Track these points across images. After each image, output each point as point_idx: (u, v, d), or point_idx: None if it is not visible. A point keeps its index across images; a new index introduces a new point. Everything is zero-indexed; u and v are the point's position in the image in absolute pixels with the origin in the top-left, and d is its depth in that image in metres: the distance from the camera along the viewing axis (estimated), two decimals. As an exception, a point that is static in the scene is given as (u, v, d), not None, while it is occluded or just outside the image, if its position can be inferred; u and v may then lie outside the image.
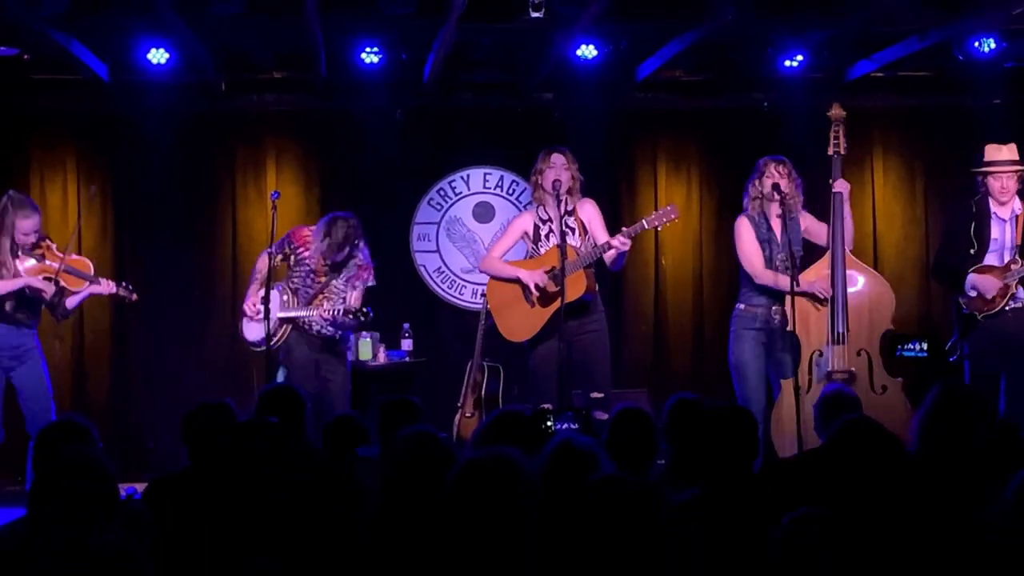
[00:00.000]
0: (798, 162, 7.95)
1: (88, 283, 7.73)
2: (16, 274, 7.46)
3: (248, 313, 7.99)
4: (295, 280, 8.00)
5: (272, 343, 7.86)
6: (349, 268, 7.98)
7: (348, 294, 7.98)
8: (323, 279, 7.88)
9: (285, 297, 7.96)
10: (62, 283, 7.58)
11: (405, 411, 5.69)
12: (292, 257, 8.02)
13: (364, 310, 7.86)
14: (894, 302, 7.82)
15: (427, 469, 4.17)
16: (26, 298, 7.53)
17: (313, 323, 7.83)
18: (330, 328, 7.92)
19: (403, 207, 10.07)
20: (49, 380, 7.67)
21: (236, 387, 8.19)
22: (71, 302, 7.77)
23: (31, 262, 7.54)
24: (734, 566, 3.92)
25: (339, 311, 7.84)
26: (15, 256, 7.48)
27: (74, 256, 7.87)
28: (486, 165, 10.16)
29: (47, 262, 7.56)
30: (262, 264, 7.99)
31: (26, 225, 7.47)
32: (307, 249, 7.96)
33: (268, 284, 7.74)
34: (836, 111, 7.92)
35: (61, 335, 8.99)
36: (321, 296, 7.87)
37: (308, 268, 7.96)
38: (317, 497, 3.88)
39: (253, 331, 8.02)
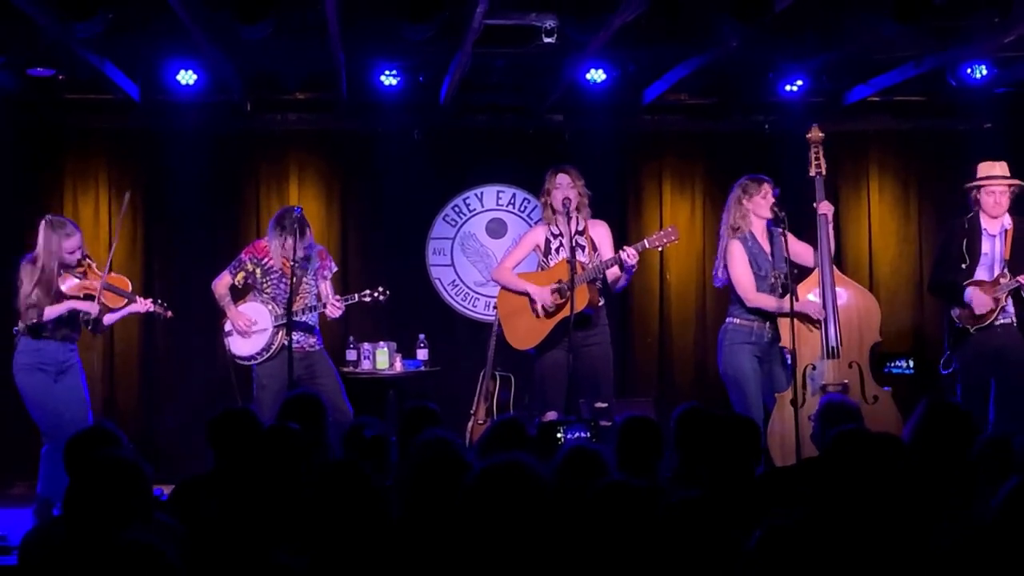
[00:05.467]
0: (797, 183, 8.05)
1: (126, 300, 7.81)
2: (60, 295, 7.52)
3: (242, 329, 8.03)
4: (268, 290, 8.07)
5: (269, 353, 8.00)
6: (312, 261, 8.09)
7: (320, 286, 8.11)
8: (294, 279, 7.86)
9: (269, 307, 8.05)
10: (103, 300, 7.63)
11: (425, 417, 5.83)
12: (259, 269, 8.07)
13: (380, 288, 8.09)
14: (880, 314, 7.88)
15: (443, 472, 4.22)
16: (70, 317, 7.60)
17: (295, 336, 7.84)
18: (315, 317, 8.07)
19: (419, 223, 10.21)
20: (87, 391, 7.72)
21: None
22: (109, 319, 7.88)
23: (74, 281, 7.59)
24: (728, 565, 3.92)
25: (352, 299, 8.01)
26: (59, 275, 7.52)
27: (113, 274, 7.91)
28: (499, 183, 10.32)
29: (88, 280, 7.63)
30: (223, 289, 8.11)
31: (70, 244, 7.53)
32: (271, 258, 8.04)
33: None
34: (814, 133, 7.98)
35: (94, 346, 9.07)
36: (297, 295, 7.91)
37: (279, 273, 8.02)
38: (337, 499, 3.88)
39: (244, 347, 8.08)
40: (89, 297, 7.63)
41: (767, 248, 7.79)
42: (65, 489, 4.12)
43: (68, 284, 7.59)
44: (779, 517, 3.32)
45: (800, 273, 7.86)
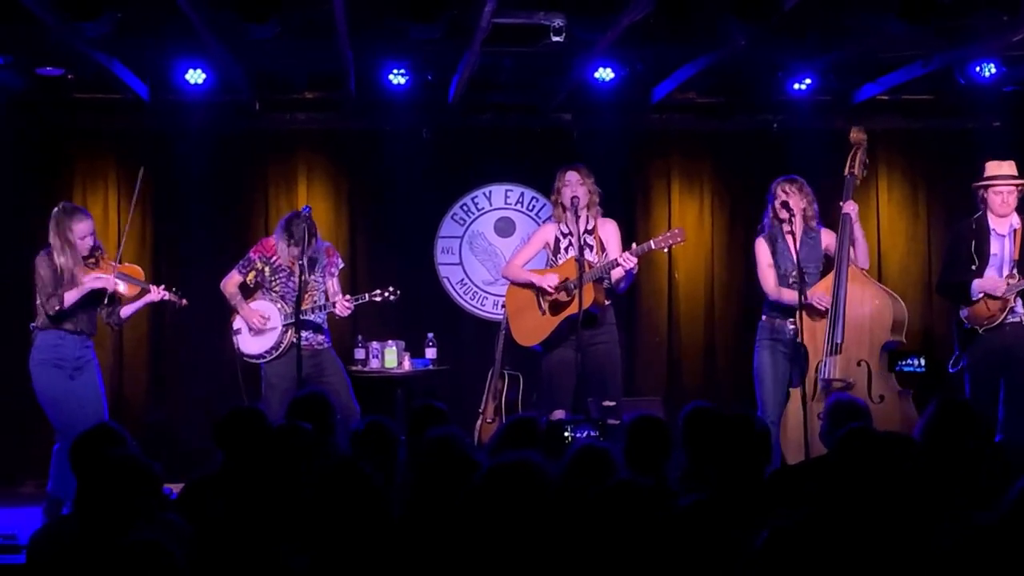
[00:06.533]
0: (805, 181, 8.07)
1: (141, 289, 7.80)
2: (78, 282, 7.50)
3: (257, 327, 8.03)
4: (277, 288, 8.08)
5: (278, 352, 8.02)
6: (320, 260, 8.10)
7: (327, 283, 8.12)
8: (303, 277, 7.89)
9: (278, 306, 8.05)
10: (117, 290, 7.64)
11: (433, 416, 5.84)
12: (268, 268, 8.09)
13: (391, 288, 8.12)
14: (894, 315, 7.80)
15: (451, 469, 4.31)
16: (86, 310, 7.59)
17: (303, 334, 7.87)
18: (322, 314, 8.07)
19: (428, 222, 10.22)
20: (103, 388, 7.71)
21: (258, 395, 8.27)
22: (125, 311, 7.86)
23: (86, 273, 7.57)
24: (734, 566, 3.87)
25: (362, 299, 8.04)
26: (73, 264, 7.49)
27: (126, 264, 7.94)
28: (507, 182, 10.33)
29: (100, 272, 7.62)
30: (233, 288, 8.13)
31: (82, 228, 7.52)
32: (278, 256, 8.05)
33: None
34: (857, 135, 8.05)
35: (102, 342, 9.09)
36: (305, 293, 7.93)
37: (287, 272, 8.03)
38: (337, 498, 3.88)
39: (253, 345, 8.09)
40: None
41: (793, 249, 7.79)
42: (75, 489, 4.15)
43: (81, 275, 7.58)
44: (784, 518, 3.31)
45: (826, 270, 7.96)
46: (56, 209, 7.64)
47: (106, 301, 7.69)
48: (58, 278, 7.47)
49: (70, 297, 7.48)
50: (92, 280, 7.57)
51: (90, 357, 7.67)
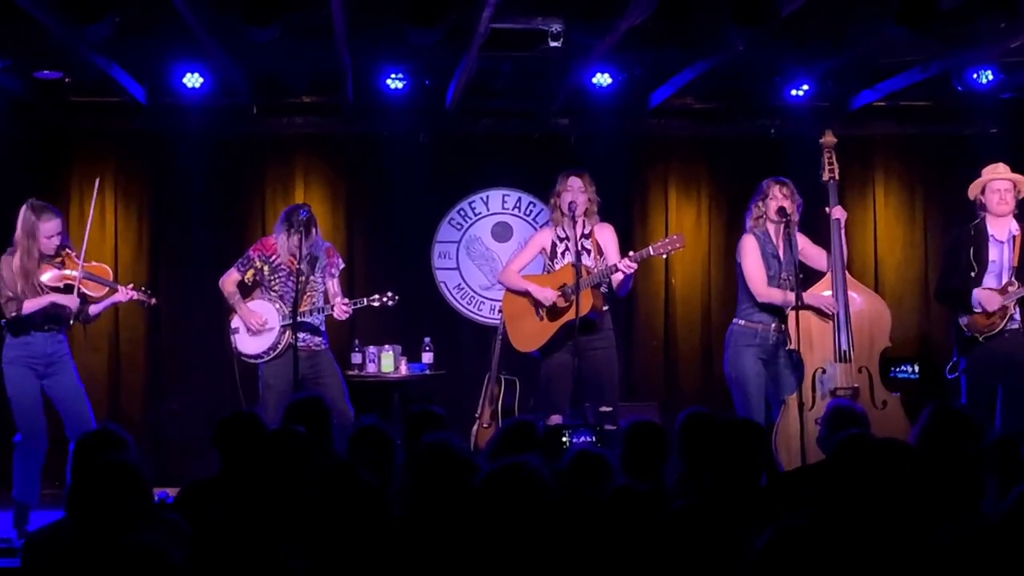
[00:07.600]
0: (802, 186, 8.05)
1: (108, 289, 7.66)
2: (39, 285, 7.39)
3: (255, 328, 8.01)
4: (276, 287, 8.06)
5: (276, 352, 7.98)
6: (320, 259, 8.09)
7: (327, 284, 8.12)
8: (302, 278, 7.90)
9: (277, 306, 8.03)
10: (84, 290, 7.51)
11: (430, 421, 5.82)
12: (267, 267, 8.06)
13: (390, 294, 8.11)
14: (890, 319, 7.90)
15: (447, 473, 4.28)
16: (52, 308, 7.44)
17: (300, 335, 7.88)
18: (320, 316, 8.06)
19: (425, 226, 10.21)
20: (81, 383, 7.60)
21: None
22: (95, 309, 7.73)
23: (52, 271, 7.45)
24: (731, 570, 3.87)
25: (361, 303, 8.03)
26: (38, 266, 7.40)
27: (93, 263, 7.78)
28: (504, 187, 10.30)
29: (67, 270, 7.49)
30: (232, 286, 8.09)
31: (48, 227, 7.36)
32: (278, 255, 8.03)
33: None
34: (828, 138, 8.04)
35: (97, 346, 9.07)
36: (304, 294, 7.95)
37: (287, 271, 8.00)
38: (335, 500, 3.85)
39: (250, 345, 8.06)
40: (69, 288, 7.50)
41: (780, 250, 7.83)
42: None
43: (47, 275, 7.47)
44: (786, 519, 3.31)
45: (812, 277, 7.91)
46: (24, 207, 7.49)
47: (71, 321, 7.59)
48: (20, 279, 7.36)
49: (29, 307, 7.38)
50: (56, 295, 7.44)
51: (63, 352, 7.57)
